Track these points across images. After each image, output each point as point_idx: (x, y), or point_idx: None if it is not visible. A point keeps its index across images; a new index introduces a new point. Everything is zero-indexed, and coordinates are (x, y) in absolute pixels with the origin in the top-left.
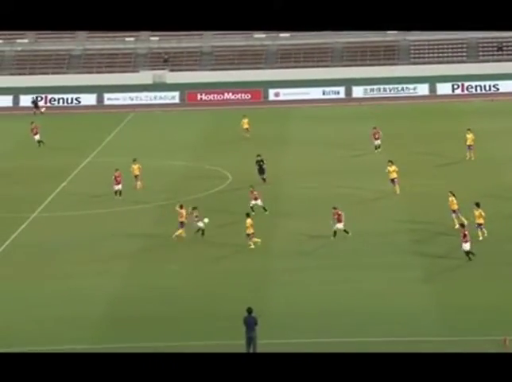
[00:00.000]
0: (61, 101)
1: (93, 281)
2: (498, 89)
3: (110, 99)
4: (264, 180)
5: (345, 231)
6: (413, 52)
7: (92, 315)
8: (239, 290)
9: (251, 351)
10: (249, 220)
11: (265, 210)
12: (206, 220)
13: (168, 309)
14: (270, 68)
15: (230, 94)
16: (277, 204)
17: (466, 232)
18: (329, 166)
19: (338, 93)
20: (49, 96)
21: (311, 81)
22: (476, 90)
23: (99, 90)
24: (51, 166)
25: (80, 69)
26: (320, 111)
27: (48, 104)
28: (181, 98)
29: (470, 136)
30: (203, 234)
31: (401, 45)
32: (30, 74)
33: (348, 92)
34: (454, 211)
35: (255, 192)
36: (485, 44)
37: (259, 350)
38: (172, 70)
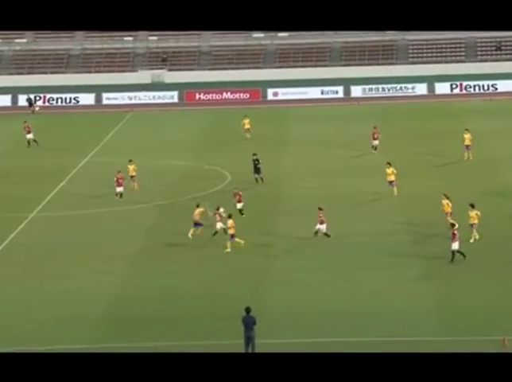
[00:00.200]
0: (59, 101)
1: (92, 280)
2: (496, 89)
3: (108, 98)
4: (261, 179)
5: (326, 234)
6: (411, 51)
7: (92, 315)
8: (238, 290)
9: (250, 350)
10: (230, 221)
11: (242, 214)
12: (222, 210)
13: (168, 308)
14: (269, 68)
15: (229, 93)
16: (276, 204)
17: (455, 232)
18: (328, 166)
19: (336, 93)
20: (48, 96)
21: (309, 81)
22: (475, 89)
23: (98, 89)
24: (49, 166)
25: (79, 69)
26: (318, 111)
27: (47, 104)
28: (180, 97)
29: (467, 136)
30: (225, 232)
31: (399, 45)
32: (28, 73)
33: (347, 92)
34: (447, 213)
35: (239, 194)
36: (483, 44)
37: (258, 350)
38: (170, 70)
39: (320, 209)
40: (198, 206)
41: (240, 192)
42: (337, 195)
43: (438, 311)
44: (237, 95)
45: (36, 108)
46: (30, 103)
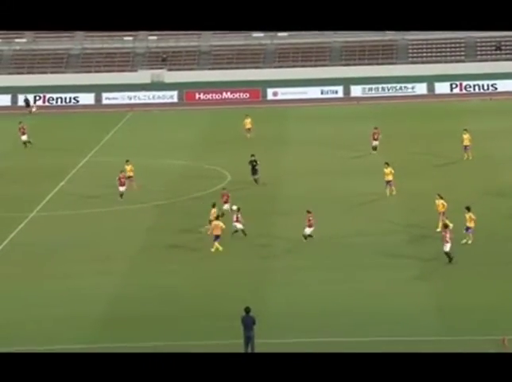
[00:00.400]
0: (59, 100)
1: (92, 280)
2: (496, 88)
3: (108, 98)
4: (256, 181)
5: (309, 235)
6: (411, 51)
7: (91, 315)
8: (238, 290)
9: (249, 350)
10: (217, 222)
11: (223, 215)
12: (234, 207)
13: (168, 308)
14: (269, 68)
15: (229, 93)
16: (276, 204)
17: (447, 234)
18: (327, 166)
19: (336, 92)
20: (47, 95)
21: (309, 80)
22: (474, 89)
23: (97, 89)
24: (49, 166)
25: (78, 68)
26: (318, 111)
27: (47, 103)
28: (179, 97)
29: (466, 136)
30: (244, 234)
31: (399, 45)
32: (28, 73)
33: (346, 92)
34: (440, 213)
35: (226, 195)
36: (483, 44)
37: (257, 350)
38: (170, 69)
39: (309, 212)
40: (214, 206)
41: (228, 194)
42: (336, 195)
43: (437, 311)
44: (237, 95)
45: (34, 109)
46: (27, 103)
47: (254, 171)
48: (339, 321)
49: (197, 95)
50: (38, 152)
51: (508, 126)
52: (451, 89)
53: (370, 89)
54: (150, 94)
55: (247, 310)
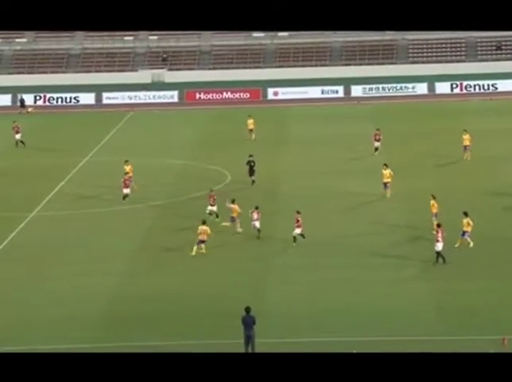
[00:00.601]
0: (60, 100)
1: (92, 280)
2: (496, 88)
3: (108, 98)
4: (253, 181)
5: (301, 235)
6: (411, 51)
7: (91, 314)
8: (238, 290)
9: (249, 350)
10: (203, 227)
11: (217, 216)
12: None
13: (168, 308)
14: (269, 67)
15: (229, 93)
16: (276, 204)
17: (440, 234)
18: (327, 166)
19: (337, 92)
20: (48, 95)
21: (309, 80)
22: (475, 89)
23: (98, 89)
24: (49, 165)
25: (79, 68)
26: (318, 111)
27: (47, 103)
28: (180, 97)
29: (466, 137)
30: (259, 232)
31: (399, 44)
32: (29, 73)
33: (347, 91)
34: (435, 214)
35: (213, 197)
36: (484, 44)
37: (257, 349)
38: (170, 69)
39: (298, 213)
40: (233, 202)
41: (215, 196)
42: (336, 195)
43: (437, 311)
44: (237, 95)
45: (29, 109)
46: (22, 103)
47: (252, 171)
48: (340, 320)
49: (197, 95)
50: (38, 152)
51: (508, 126)
52: (452, 89)
53: (371, 89)
54: (151, 94)
55: (247, 310)
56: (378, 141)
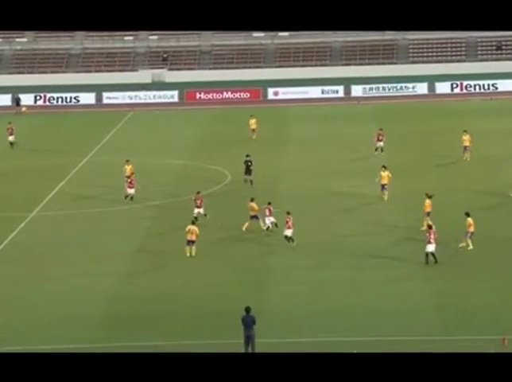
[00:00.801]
0: (60, 100)
1: (92, 280)
2: (496, 88)
3: (108, 98)
4: (251, 182)
5: (291, 238)
6: (411, 51)
7: (91, 314)
8: (238, 289)
9: (249, 349)
10: (192, 227)
11: (196, 219)
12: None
13: (167, 308)
14: (269, 67)
15: (229, 93)
16: (275, 204)
17: (431, 235)
18: (328, 167)
19: (337, 92)
20: (48, 95)
21: (310, 80)
22: (475, 89)
23: (98, 89)
24: (49, 165)
25: (79, 68)
26: (318, 110)
27: (47, 103)
28: (180, 97)
29: (466, 137)
30: (276, 226)
31: (400, 44)
32: (29, 73)
33: (347, 91)
34: (427, 213)
35: (200, 199)
36: (484, 44)
37: (257, 349)
38: (171, 69)
39: (288, 213)
40: (252, 200)
41: (202, 198)
42: (336, 195)
43: (437, 310)
44: (237, 95)
45: (23, 109)
46: (18, 103)
47: (248, 171)
48: (340, 320)
49: (198, 95)
50: (38, 152)
51: (508, 126)
52: (452, 89)
53: (371, 89)
54: (151, 94)
55: (247, 310)
56: (380, 141)
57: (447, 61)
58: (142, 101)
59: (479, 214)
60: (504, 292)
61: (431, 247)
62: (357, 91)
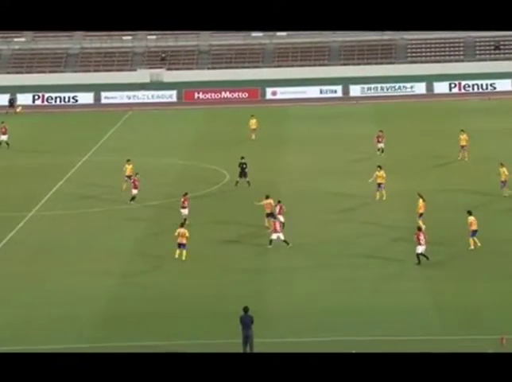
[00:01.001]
0: (58, 100)
1: (91, 279)
2: (495, 88)
3: (107, 97)
4: (247, 183)
5: (271, 240)
6: (410, 50)
7: (91, 314)
8: (236, 289)
9: (248, 349)
10: (181, 230)
11: (185, 221)
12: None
13: (166, 307)
14: (268, 67)
15: (228, 93)
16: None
17: (421, 236)
18: (326, 166)
19: (335, 92)
20: (46, 95)
21: (308, 80)
22: (473, 89)
23: (97, 88)
24: (48, 165)
25: (77, 68)
26: (317, 110)
27: (46, 103)
28: (178, 96)
29: (463, 137)
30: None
31: (398, 44)
32: (27, 73)
33: (345, 91)
34: (420, 214)
35: (187, 200)
36: (482, 43)
37: (256, 349)
38: (169, 69)
39: (274, 217)
40: (268, 197)
41: (188, 199)
42: (335, 195)
43: (436, 310)
44: (236, 95)
45: (18, 109)
46: (11, 103)
47: (244, 173)
48: (339, 320)
49: (196, 95)
50: (37, 151)
51: (507, 126)
52: (450, 89)
53: (369, 89)
54: (149, 93)
55: (246, 310)
56: (380, 142)
57: (445, 61)
58: (141, 101)
59: (478, 214)
60: (503, 292)
61: (420, 248)
62: (355, 90)
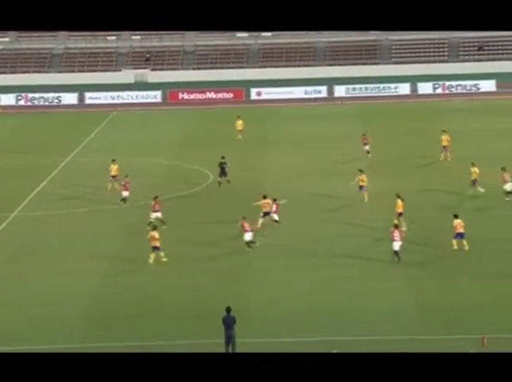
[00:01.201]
0: (42, 100)
1: (75, 280)
2: (478, 89)
3: (91, 98)
4: (227, 182)
5: (252, 241)
6: (394, 51)
7: (74, 314)
8: (219, 290)
9: (230, 350)
10: (153, 233)
11: (164, 224)
12: (284, 201)
13: (149, 308)
14: (252, 68)
15: (213, 93)
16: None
17: (396, 234)
18: (311, 167)
19: (320, 92)
20: (30, 95)
21: (293, 80)
22: (457, 89)
23: (81, 89)
24: (31, 165)
25: (61, 68)
26: (302, 111)
27: (29, 103)
28: (163, 97)
29: (445, 137)
30: (278, 222)
31: (383, 45)
32: (11, 73)
33: (330, 92)
34: (399, 214)
35: (159, 204)
36: (466, 44)
37: (238, 349)
38: (154, 69)
39: (244, 218)
40: (265, 197)
41: (160, 203)
42: (319, 196)
43: (417, 310)
44: (220, 95)
45: None
46: None
47: (224, 173)
48: (320, 320)
49: (181, 95)
50: (20, 152)
51: (490, 127)
52: (434, 89)
53: (354, 89)
54: (134, 94)
55: (228, 310)
56: (366, 145)
57: (429, 62)
58: (125, 101)
59: (460, 214)
60: (484, 292)
61: (396, 245)
62: (340, 91)
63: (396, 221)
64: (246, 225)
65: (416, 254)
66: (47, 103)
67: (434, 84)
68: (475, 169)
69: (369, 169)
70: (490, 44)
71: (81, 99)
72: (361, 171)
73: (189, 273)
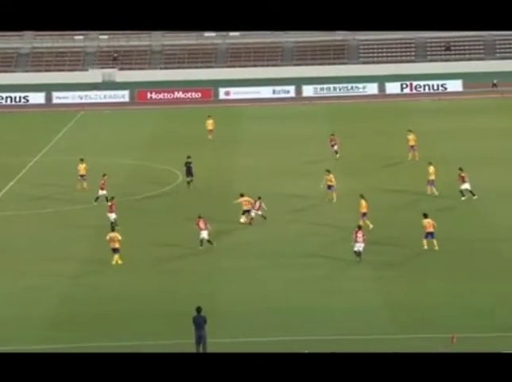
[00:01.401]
0: (9, 99)
1: (42, 280)
2: (445, 89)
3: (58, 97)
4: (190, 181)
5: (208, 240)
6: (362, 51)
7: (42, 315)
8: (189, 289)
9: (201, 350)
10: (112, 234)
11: (116, 225)
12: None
13: (118, 308)
14: (220, 67)
15: (181, 93)
16: (226, 204)
17: (359, 234)
18: (279, 167)
19: (288, 92)
20: None
21: (261, 80)
22: (424, 89)
23: (48, 88)
24: None
25: (28, 67)
26: (270, 110)
27: None
28: (131, 97)
29: (411, 137)
30: (264, 218)
31: (350, 45)
32: None
33: (298, 91)
34: (363, 214)
35: (113, 205)
36: (433, 44)
37: (209, 349)
38: (121, 69)
39: (200, 217)
40: (242, 195)
41: (114, 203)
42: (287, 196)
43: (387, 310)
44: (189, 95)
45: None
46: None
47: (189, 173)
48: (291, 319)
49: (149, 95)
50: None
51: (457, 126)
52: (402, 89)
53: (322, 89)
54: (101, 93)
55: (198, 310)
56: (333, 145)
57: (397, 62)
58: (93, 101)
59: (429, 214)
60: (453, 291)
61: (357, 246)
62: (308, 91)
63: (360, 222)
64: (202, 223)
65: (385, 254)
66: (14, 103)
67: (402, 84)
68: (432, 168)
69: (337, 170)
70: (457, 44)
71: (48, 98)
72: (328, 171)
73: (157, 273)
